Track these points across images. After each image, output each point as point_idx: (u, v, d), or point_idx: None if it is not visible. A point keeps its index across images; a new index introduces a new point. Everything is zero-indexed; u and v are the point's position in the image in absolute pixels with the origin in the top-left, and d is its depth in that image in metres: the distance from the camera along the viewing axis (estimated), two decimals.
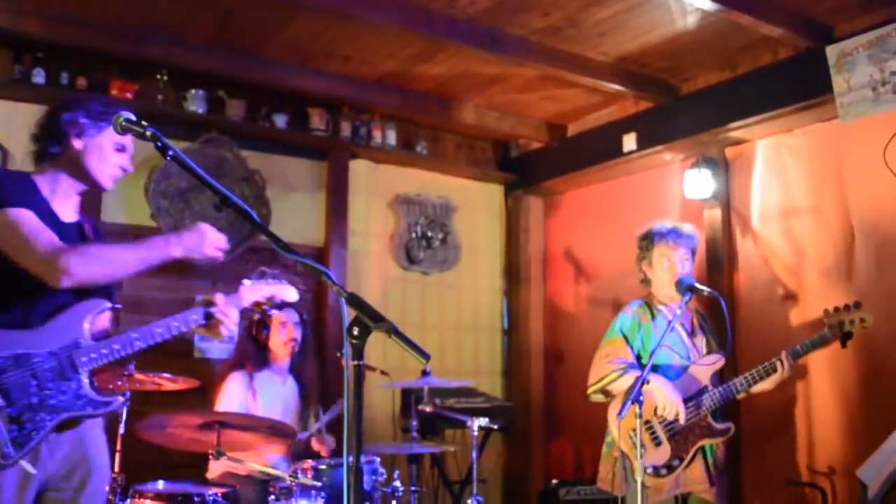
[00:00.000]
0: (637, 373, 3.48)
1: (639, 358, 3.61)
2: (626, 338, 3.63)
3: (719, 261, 4.79)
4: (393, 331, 1.75)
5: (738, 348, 4.52)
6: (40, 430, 2.22)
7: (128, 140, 2.48)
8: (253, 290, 2.63)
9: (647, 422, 3.49)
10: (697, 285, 3.48)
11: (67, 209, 2.48)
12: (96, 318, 2.41)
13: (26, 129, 4.47)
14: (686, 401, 3.50)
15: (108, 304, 2.44)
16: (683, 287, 3.47)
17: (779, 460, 4.45)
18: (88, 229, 2.54)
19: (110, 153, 2.47)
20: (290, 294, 2.69)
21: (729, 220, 4.86)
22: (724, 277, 4.75)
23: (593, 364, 3.66)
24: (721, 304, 3.48)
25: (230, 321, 2.47)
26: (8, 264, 2.27)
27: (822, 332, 3.51)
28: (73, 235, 2.45)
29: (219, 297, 2.46)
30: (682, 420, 3.44)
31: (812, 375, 4.35)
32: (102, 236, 2.63)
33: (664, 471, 3.47)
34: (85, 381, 2.30)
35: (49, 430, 2.24)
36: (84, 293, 2.38)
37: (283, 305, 2.66)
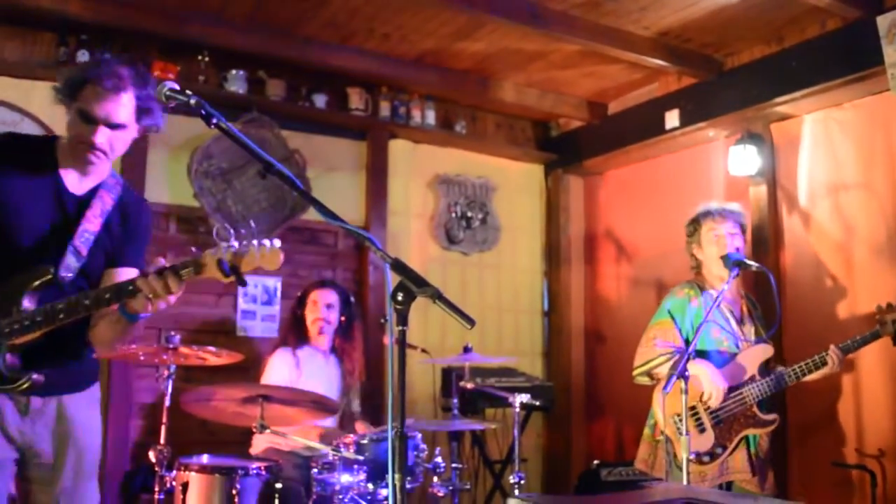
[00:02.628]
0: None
1: (687, 342, 3.57)
2: (674, 319, 3.59)
3: (765, 239, 4.70)
4: (437, 296, 1.73)
5: (784, 327, 4.44)
6: None
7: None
8: (209, 255, 2.11)
9: (692, 407, 3.45)
10: (745, 260, 3.43)
11: (76, 180, 2.37)
12: (40, 288, 2.25)
13: None
14: (732, 389, 3.45)
15: (50, 273, 2.25)
16: (731, 262, 3.42)
17: (826, 448, 4.36)
18: (109, 200, 2.39)
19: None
20: (264, 261, 2.07)
21: (775, 198, 4.76)
22: (771, 256, 4.65)
23: (640, 346, 3.63)
24: (770, 279, 3.42)
25: (148, 291, 2.09)
26: None
27: (874, 330, 3.47)
28: (72, 208, 2.35)
29: (155, 264, 2.13)
30: (713, 403, 3.40)
31: (861, 361, 4.25)
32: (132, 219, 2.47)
33: (707, 458, 3.43)
34: (3, 354, 2.18)
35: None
36: (31, 260, 2.26)
37: (235, 272, 2.07)
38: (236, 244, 2.06)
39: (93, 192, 2.39)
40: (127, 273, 2.39)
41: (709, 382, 3.40)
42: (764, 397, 3.49)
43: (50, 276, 2.24)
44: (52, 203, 2.32)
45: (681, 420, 3.39)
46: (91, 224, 2.35)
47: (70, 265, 2.30)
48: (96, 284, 2.37)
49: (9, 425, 2.26)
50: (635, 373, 3.63)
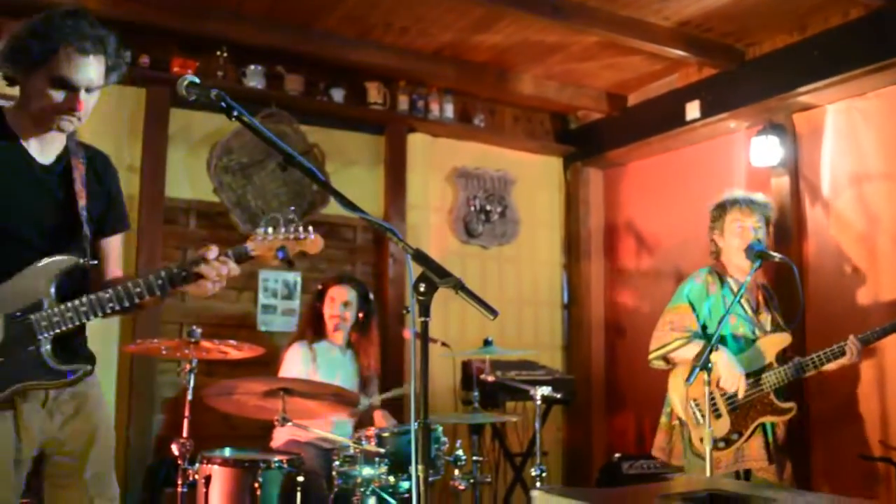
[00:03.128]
0: (701, 342, 3.42)
1: (704, 327, 3.54)
2: (692, 305, 3.56)
3: (788, 230, 4.66)
4: (459, 286, 1.73)
5: (807, 317, 4.40)
6: None
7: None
8: (261, 243, 2.29)
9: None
10: (768, 251, 3.40)
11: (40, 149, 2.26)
12: (67, 276, 2.21)
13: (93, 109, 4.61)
14: (749, 376, 3.43)
15: (78, 260, 2.22)
16: (753, 253, 3.39)
17: (849, 438, 4.32)
18: (81, 168, 2.30)
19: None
20: (310, 245, 2.36)
21: (798, 189, 4.71)
22: (793, 247, 4.61)
23: (656, 330, 3.61)
24: (794, 270, 3.40)
25: (214, 275, 2.19)
26: None
27: (894, 321, 3.45)
28: (51, 180, 2.26)
29: (212, 251, 2.20)
30: (740, 395, 3.38)
31: (884, 351, 4.20)
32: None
33: (722, 444, 3.40)
34: (46, 347, 2.14)
35: (2, 399, 2.11)
36: (53, 248, 2.20)
37: (287, 259, 2.31)
38: (290, 232, 2.24)
39: (62, 161, 2.28)
40: (116, 242, 2.41)
41: (726, 369, 3.37)
42: (781, 385, 3.46)
43: (76, 263, 2.20)
44: (30, 178, 2.22)
45: (697, 405, 3.39)
46: (81, 198, 2.27)
47: (86, 248, 2.26)
48: (94, 258, 2.32)
49: (32, 424, 2.19)
50: (651, 356, 3.61)
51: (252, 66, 4.96)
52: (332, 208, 5.04)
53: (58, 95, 2.13)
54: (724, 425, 3.42)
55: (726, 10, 4.46)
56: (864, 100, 4.44)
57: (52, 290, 2.16)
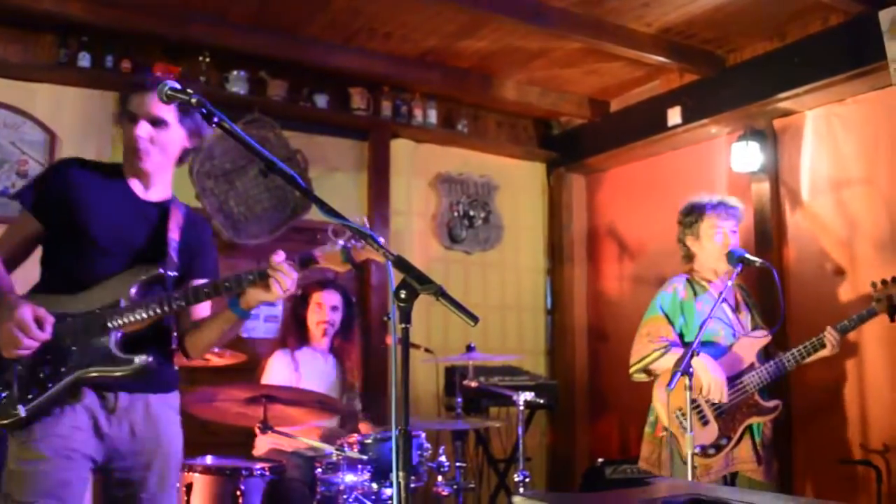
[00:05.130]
0: (680, 350, 3.44)
1: (681, 336, 3.56)
2: (666, 315, 3.58)
3: (768, 235, 4.70)
4: (440, 293, 1.72)
5: (788, 322, 4.42)
6: (54, 385, 2.17)
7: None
8: (328, 249, 2.36)
9: (693, 401, 3.43)
10: (749, 256, 3.41)
11: (143, 188, 2.42)
12: (146, 284, 2.32)
13: (73, 113, 4.59)
14: (732, 379, 3.44)
15: (159, 270, 2.34)
16: (735, 258, 3.40)
17: (831, 439, 4.36)
18: (179, 215, 2.46)
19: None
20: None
21: (778, 194, 4.75)
22: (774, 251, 4.64)
23: (635, 343, 3.63)
24: (774, 275, 3.42)
25: (286, 279, 2.25)
26: (52, 233, 2.29)
27: (869, 307, 3.47)
28: (151, 214, 2.41)
29: (279, 255, 2.25)
30: (724, 400, 3.39)
31: (865, 352, 4.25)
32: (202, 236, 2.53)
33: (712, 450, 3.42)
34: (113, 338, 2.23)
35: (67, 384, 2.17)
36: (137, 260, 2.33)
37: (353, 262, 2.39)
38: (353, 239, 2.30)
39: (164, 204, 2.44)
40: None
41: (707, 375, 3.38)
42: (765, 384, 3.47)
43: (157, 273, 2.31)
44: (130, 207, 2.37)
45: (684, 415, 3.39)
46: (174, 233, 2.40)
47: (170, 266, 2.36)
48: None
49: (101, 426, 2.24)
50: (632, 370, 3.63)
51: (235, 72, 4.94)
52: (315, 214, 5.02)
53: (128, 129, 2.33)
54: (712, 431, 3.43)
55: (707, 16, 4.50)
56: (843, 106, 4.48)
57: (132, 292, 2.28)
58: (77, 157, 2.45)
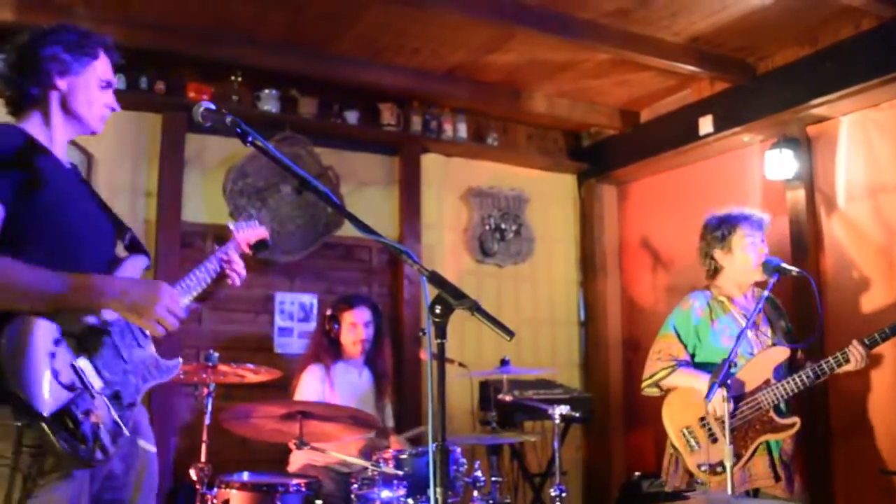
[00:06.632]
0: (686, 370, 3.48)
1: (692, 356, 3.56)
2: (677, 334, 3.58)
3: (804, 243, 4.63)
4: (476, 308, 1.72)
5: (826, 332, 4.36)
6: (135, 404, 2.08)
7: (111, 74, 2.25)
8: (243, 233, 2.74)
9: (701, 418, 3.40)
10: (785, 266, 3.36)
11: (63, 155, 2.20)
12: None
13: (109, 134, 4.65)
14: (745, 395, 3.37)
15: (147, 262, 2.26)
16: (771, 268, 3.36)
17: (871, 452, 4.26)
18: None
19: (96, 91, 2.19)
20: (262, 233, 2.83)
21: (813, 201, 4.68)
22: (810, 260, 4.57)
23: (647, 359, 3.65)
24: (812, 284, 3.36)
25: (239, 266, 2.51)
26: (41, 222, 2.01)
27: None
28: (75, 180, 2.23)
29: (228, 246, 2.55)
30: (717, 412, 3.33)
31: None
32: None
33: (720, 468, 3.33)
34: (152, 346, 2.17)
35: (139, 403, 2.10)
36: (130, 248, 2.26)
37: (259, 247, 2.83)
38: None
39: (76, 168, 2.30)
40: None
41: (693, 384, 3.38)
42: (782, 400, 3.37)
43: (148, 266, 2.29)
44: (71, 181, 2.19)
45: (689, 433, 3.42)
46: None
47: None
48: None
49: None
50: (643, 385, 3.64)
51: (266, 90, 5.00)
52: (348, 230, 5.05)
53: (102, 95, 2.23)
54: (721, 449, 3.36)
55: (736, 25, 4.47)
56: (878, 111, 4.42)
57: None
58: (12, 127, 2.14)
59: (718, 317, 3.54)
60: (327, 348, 4.25)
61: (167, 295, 1.99)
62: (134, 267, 2.21)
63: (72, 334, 1.95)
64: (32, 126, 2.13)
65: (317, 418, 3.33)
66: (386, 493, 3.28)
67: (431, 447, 1.71)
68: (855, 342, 3.30)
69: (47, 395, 1.81)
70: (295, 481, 3.40)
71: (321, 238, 5.10)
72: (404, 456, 3.38)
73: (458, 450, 3.52)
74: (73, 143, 4.42)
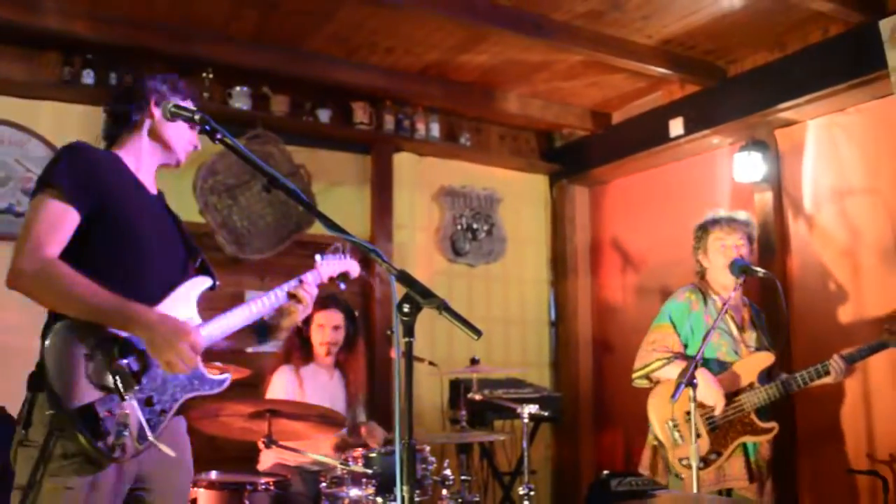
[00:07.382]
0: (682, 362, 3.44)
1: (685, 346, 3.56)
2: (674, 324, 3.58)
3: (771, 245, 4.69)
4: (444, 307, 1.73)
5: (792, 333, 4.42)
6: (168, 412, 2.15)
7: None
8: (327, 266, 2.84)
9: (687, 412, 3.43)
10: (751, 267, 3.41)
11: (150, 182, 2.39)
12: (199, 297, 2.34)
13: (77, 130, 4.62)
14: (729, 396, 3.42)
15: (211, 282, 2.38)
16: (737, 268, 3.41)
17: (837, 455, 4.33)
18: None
19: (184, 125, 2.35)
20: (355, 269, 2.96)
21: (780, 204, 4.75)
22: (777, 262, 4.64)
23: (640, 349, 3.64)
24: (777, 285, 3.41)
25: (312, 294, 2.65)
26: (104, 244, 2.15)
27: (881, 340, 3.43)
28: (161, 208, 2.43)
29: (307, 277, 2.65)
30: (718, 412, 3.39)
31: (871, 364, 4.21)
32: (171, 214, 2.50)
33: (701, 464, 3.37)
34: (198, 359, 2.19)
35: (175, 412, 2.17)
36: (199, 270, 2.39)
37: (341, 278, 2.91)
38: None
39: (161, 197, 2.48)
40: None
41: (705, 385, 3.38)
42: (763, 405, 3.45)
43: (212, 286, 2.41)
44: (153, 205, 2.38)
45: (674, 426, 3.41)
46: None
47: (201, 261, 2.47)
48: None
49: (139, 460, 2.15)
50: (634, 376, 3.64)
51: (238, 88, 4.97)
52: (319, 228, 5.03)
53: (190, 133, 2.42)
54: (703, 445, 3.40)
55: (708, 28, 4.52)
56: (844, 115, 4.49)
57: (196, 308, 2.33)
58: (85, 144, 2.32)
59: (711, 313, 3.58)
60: (299, 348, 4.22)
61: (186, 341, 2.07)
62: (193, 286, 2.33)
63: (116, 339, 2.07)
64: (125, 152, 2.34)
65: (286, 417, 3.32)
66: (355, 492, 3.28)
67: (398, 445, 1.71)
68: (836, 356, 3.39)
69: (76, 391, 1.98)
70: (263, 480, 3.39)
71: (292, 236, 5.07)
72: (373, 455, 3.37)
73: (427, 448, 3.52)
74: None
